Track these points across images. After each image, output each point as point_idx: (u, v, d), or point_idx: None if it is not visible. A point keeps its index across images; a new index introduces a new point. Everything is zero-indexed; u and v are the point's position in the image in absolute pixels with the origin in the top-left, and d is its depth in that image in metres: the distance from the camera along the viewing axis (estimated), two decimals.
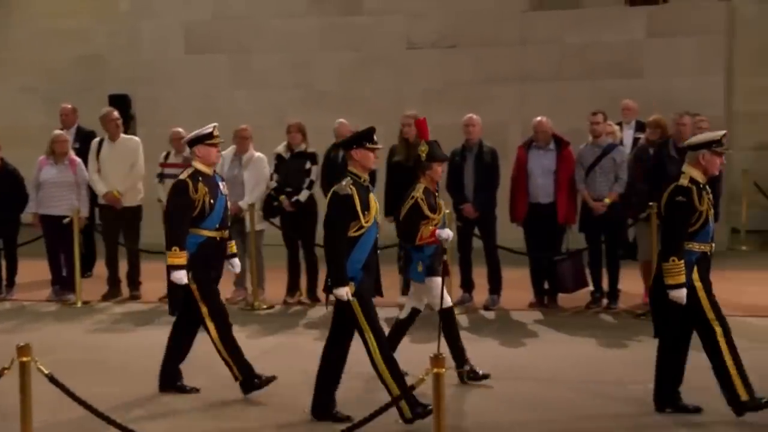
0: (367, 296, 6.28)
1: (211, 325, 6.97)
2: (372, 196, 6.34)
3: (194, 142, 7.09)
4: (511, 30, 13.20)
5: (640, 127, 10.74)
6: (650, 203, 9.14)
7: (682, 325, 6.35)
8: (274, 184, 10.23)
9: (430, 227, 7.09)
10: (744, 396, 6.26)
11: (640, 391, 6.84)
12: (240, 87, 14.06)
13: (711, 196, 6.36)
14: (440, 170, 7.20)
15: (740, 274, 10.94)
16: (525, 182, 9.68)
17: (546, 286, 9.85)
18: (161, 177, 10.50)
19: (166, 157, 10.60)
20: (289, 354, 8.28)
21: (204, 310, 6.98)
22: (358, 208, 6.17)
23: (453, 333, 7.19)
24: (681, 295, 6.20)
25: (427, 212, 7.06)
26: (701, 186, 6.29)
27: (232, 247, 7.31)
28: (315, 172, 10.19)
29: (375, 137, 6.37)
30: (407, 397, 6.09)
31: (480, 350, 8.46)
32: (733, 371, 6.27)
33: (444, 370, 4.95)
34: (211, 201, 6.96)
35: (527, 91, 12.95)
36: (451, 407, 6.27)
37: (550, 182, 9.63)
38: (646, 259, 9.46)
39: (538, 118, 9.78)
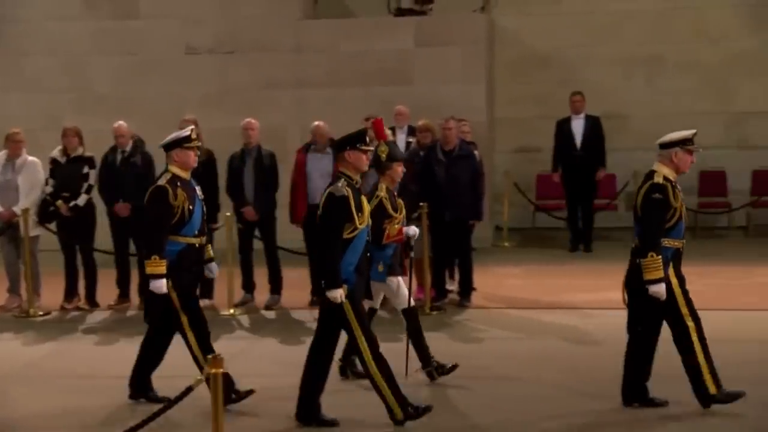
0: (358, 299, 6.16)
1: (190, 335, 6.60)
2: (364, 198, 6.26)
3: (171, 146, 6.68)
4: (287, 37, 13.25)
5: (412, 131, 11.04)
6: (421, 204, 9.43)
7: (654, 320, 6.33)
8: (49, 188, 9.85)
9: (396, 226, 7.07)
10: (713, 389, 6.29)
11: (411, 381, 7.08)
12: (12, 90, 13.40)
13: (681, 193, 6.34)
14: (400, 170, 7.14)
15: (502, 269, 11.45)
16: (304, 185, 9.74)
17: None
18: None
19: None
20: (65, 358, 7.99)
21: (184, 319, 6.62)
22: (353, 209, 6.04)
23: (417, 332, 7.16)
24: (660, 290, 6.18)
25: (391, 211, 7.02)
26: (673, 183, 6.29)
27: (209, 251, 6.94)
28: (93, 176, 9.89)
29: (368, 139, 6.27)
30: (398, 398, 6.05)
31: (261, 349, 8.47)
32: (703, 366, 6.28)
33: (221, 370, 4.85)
34: (190, 207, 6.60)
35: (304, 97, 13.05)
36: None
37: (327, 185, 9.71)
38: (419, 257, 9.75)
39: (316, 123, 9.89)
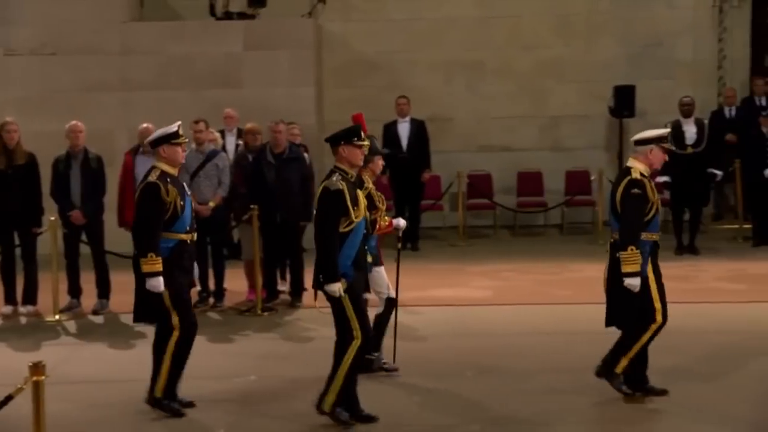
0: (357, 292, 6.06)
1: (176, 334, 6.36)
2: (360, 192, 6.17)
3: (158, 141, 6.49)
4: (112, 39, 12.85)
5: (241, 134, 10.93)
6: (251, 206, 9.35)
7: (641, 310, 6.37)
8: None
9: (386, 218, 7.19)
10: (619, 370, 6.43)
11: (241, 383, 6.99)
12: None
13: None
14: (381, 163, 7.23)
15: None
16: (132, 188, 9.47)
17: None
18: None
19: None
20: None
21: (174, 319, 6.37)
22: (348, 203, 5.95)
23: (385, 322, 7.16)
24: (636, 283, 6.27)
25: (379, 203, 7.04)
26: (648, 179, 6.38)
27: None
28: None
29: (363, 134, 6.16)
30: (341, 397, 6.03)
31: (90, 354, 8.19)
32: (632, 351, 6.39)
33: (43, 377, 4.68)
34: (181, 203, 6.41)
35: (131, 99, 12.69)
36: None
37: None
38: (250, 259, 9.67)
39: (144, 125, 9.68)
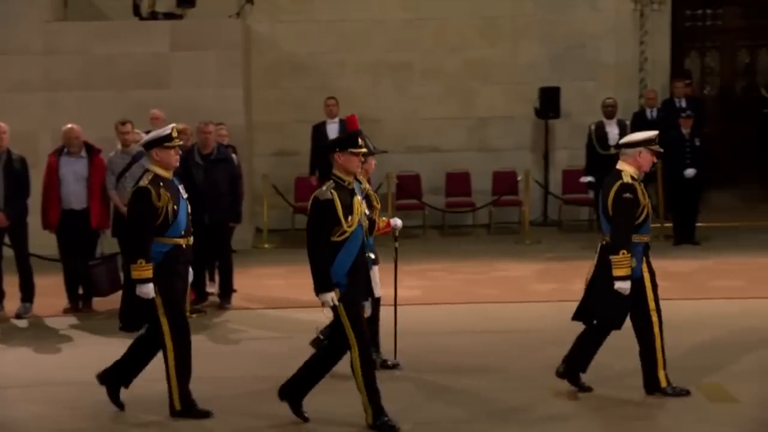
0: (354, 301, 5.95)
1: (169, 344, 6.21)
2: (357, 199, 6.04)
3: (151, 144, 6.34)
4: (35, 39, 12.58)
5: None
6: None
7: (620, 314, 6.40)
8: None
9: (384, 218, 7.28)
10: (664, 383, 6.46)
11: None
12: None
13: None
14: (374, 163, 7.28)
15: (263, 270, 11.40)
16: (57, 189, 9.33)
17: (80, 291, 9.55)
18: None
19: None
20: None
21: (165, 326, 6.21)
22: (339, 213, 5.86)
23: (375, 321, 7.09)
24: (627, 286, 6.29)
25: (376, 204, 7.11)
26: (638, 182, 6.39)
27: None
28: None
29: (360, 141, 6.04)
30: (375, 407, 5.94)
31: (14, 359, 8.01)
32: (659, 361, 6.42)
33: None
34: (175, 207, 6.23)
35: (55, 100, 12.42)
36: None
37: (83, 189, 9.37)
38: None
39: (69, 126, 9.48)
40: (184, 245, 6.31)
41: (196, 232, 9.27)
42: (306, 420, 6.18)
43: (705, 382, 6.82)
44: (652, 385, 6.52)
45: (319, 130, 12.68)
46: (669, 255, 11.38)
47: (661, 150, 6.57)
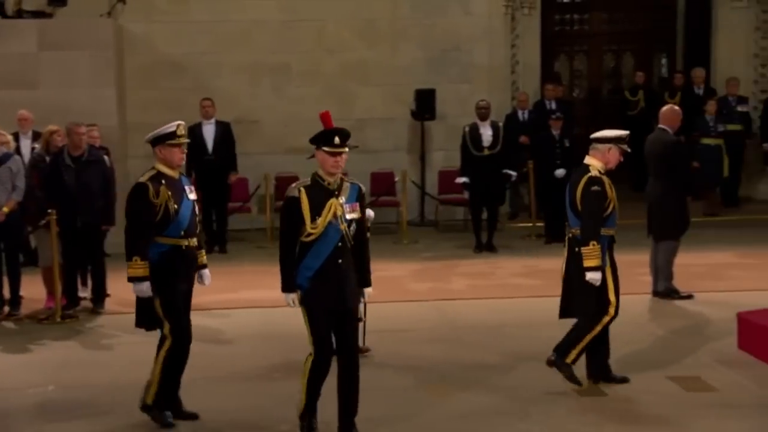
0: (317, 306, 5.56)
1: (167, 343, 5.98)
2: (334, 201, 5.56)
3: (155, 141, 6.07)
4: None
5: (36, 136, 10.40)
6: (49, 210, 8.90)
7: (598, 302, 6.47)
8: None
9: None
10: (569, 360, 6.53)
11: (38, 394, 6.63)
12: None
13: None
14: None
15: None
16: None
17: None
18: None
19: None
20: None
21: (166, 327, 5.98)
22: (304, 212, 5.49)
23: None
24: (598, 276, 6.38)
25: None
26: (605, 176, 6.48)
27: (202, 256, 6.24)
28: None
29: (337, 139, 5.56)
30: (309, 408, 5.74)
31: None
32: (581, 344, 6.50)
33: None
34: (175, 206, 5.95)
35: None
36: None
37: None
38: (47, 265, 9.21)
39: None
40: (184, 246, 6.03)
41: (67, 236, 9.14)
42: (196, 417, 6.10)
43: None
44: (558, 360, 6.63)
45: (194, 131, 12.41)
46: (541, 253, 11.60)
47: (629, 150, 6.76)
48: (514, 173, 12.39)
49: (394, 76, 14.32)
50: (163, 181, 6.00)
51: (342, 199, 5.59)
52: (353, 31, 14.36)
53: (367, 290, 5.84)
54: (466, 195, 12.51)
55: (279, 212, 5.95)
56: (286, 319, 8.29)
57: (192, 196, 6.17)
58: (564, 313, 6.70)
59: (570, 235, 6.60)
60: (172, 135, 6.07)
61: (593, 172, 6.50)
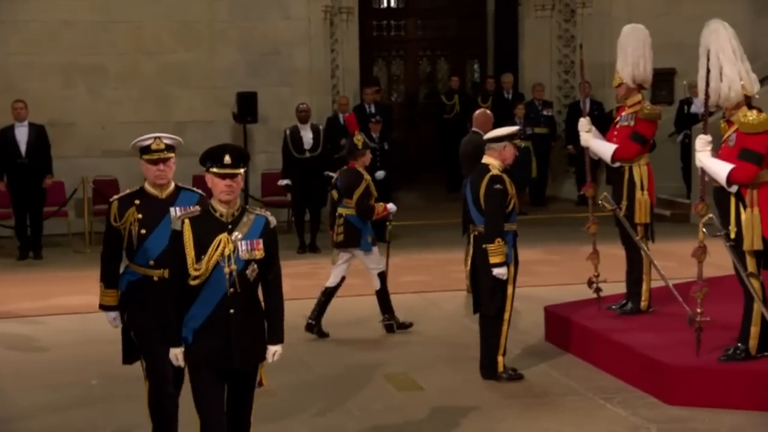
0: (202, 363, 4.50)
1: (146, 383, 5.22)
2: (223, 237, 4.47)
3: (140, 152, 5.21)
4: None
5: None
6: None
7: (502, 298, 6.61)
8: None
9: (381, 204, 7.96)
10: (500, 368, 6.71)
11: None
12: None
13: None
14: (370, 156, 8.06)
15: None
16: None
17: None
18: None
19: None
20: None
21: (143, 364, 5.24)
22: (187, 249, 4.45)
23: (386, 291, 8.07)
24: (504, 272, 6.53)
25: (374, 191, 7.82)
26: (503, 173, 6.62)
27: None
28: None
29: (227, 158, 4.45)
30: None
31: None
32: (501, 346, 6.68)
33: None
34: (143, 230, 5.08)
35: None
36: None
37: None
38: None
39: None
40: (155, 278, 5.09)
41: None
42: None
43: (392, 372, 7.07)
44: (488, 368, 6.75)
45: (6, 134, 11.89)
46: None
47: (522, 145, 6.97)
48: (334, 175, 12.44)
49: (214, 78, 14.16)
50: (137, 201, 5.16)
51: (237, 235, 4.49)
52: (171, 34, 14.09)
53: (273, 348, 4.60)
54: (288, 197, 12.50)
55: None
56: (104, 326, 8.07)
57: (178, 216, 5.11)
58: (477, 308, 6.84)
59: (475, 233, 6.76)
60: (146, 150, 5.20)
61: (494, 171, 6.64)
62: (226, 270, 4.45)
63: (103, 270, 5.25)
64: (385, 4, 17.18)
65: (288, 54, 14.45)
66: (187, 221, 4.50)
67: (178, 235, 4.49)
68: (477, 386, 6.72)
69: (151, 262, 5.10)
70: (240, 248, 4.47)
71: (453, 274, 9.67)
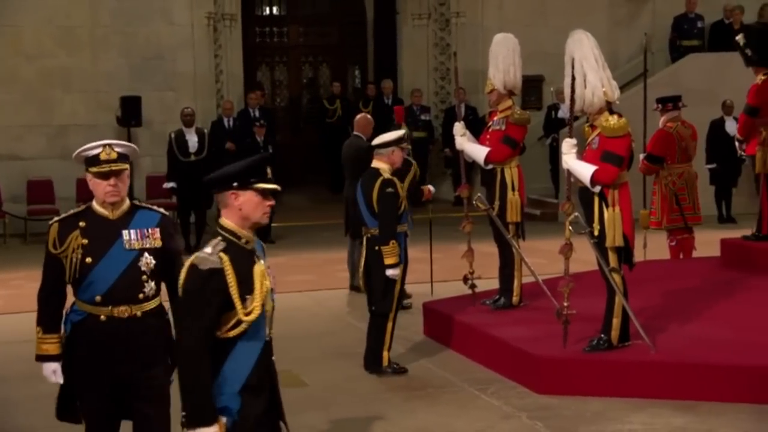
0: (252, 428, 3.42)
1: None
2: (260, 268, 3.43)
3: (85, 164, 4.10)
4: None
5: None
6: None
7: (393, 296, 6.68)
8: None
9: (423, 187, 8.15)
10: (385, 363, 6.78)
11: None
12: None
13: None
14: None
15: None
16: None
17: None
18: None
19: None
20: None
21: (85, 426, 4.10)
22: (233, 291, 3.34)
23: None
24: (398, 272, 6.62)
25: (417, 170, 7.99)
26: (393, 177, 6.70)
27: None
28: None
29: (269, 172, 3.46)
30: None
31: None
32: (387, 342, 6.75)
33: None
34: (89, 259, 3.99)
35: None
36: None
37: None
38: None
39: None
40: (103, 317, 4.03)
41: None
42: None
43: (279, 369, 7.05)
44: (373, 363, 6.79)
45: None
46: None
47: (409, 146, 7.14)
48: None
49: (97, 82, 13.86)
50: (82, 224, 4.11)
51: (264, 264, 3.52)
52: (52, 38, 13.72)
53: None
54: (174, 199, 12.31)
55: (185, 295, 3.43)
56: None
57: (136, 245, 4.10)
58: (371, 307, 6.90)
59: (368, 235, 6.80)
60: (94, 161, 4.10)
61: (385, 175, 6.70)
62: (268, 308, 3.50)
63: (41, 310, 4.17)
64: (268, 12, 17.10)
65: (172, 59, 14.24)
66: (224, 255, 3.38)
67: (217, 274, 3.34)
68: (360, 381, 6.77)
69: (98, 298, 4.04)
70: (269, 279, 3.51)
71: (337, 273, 9.70)
